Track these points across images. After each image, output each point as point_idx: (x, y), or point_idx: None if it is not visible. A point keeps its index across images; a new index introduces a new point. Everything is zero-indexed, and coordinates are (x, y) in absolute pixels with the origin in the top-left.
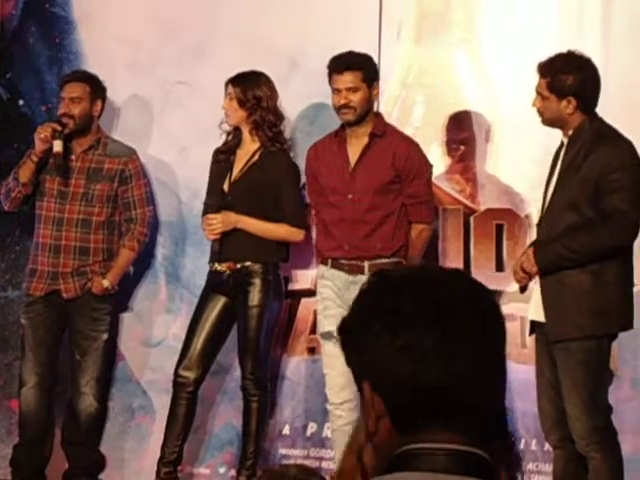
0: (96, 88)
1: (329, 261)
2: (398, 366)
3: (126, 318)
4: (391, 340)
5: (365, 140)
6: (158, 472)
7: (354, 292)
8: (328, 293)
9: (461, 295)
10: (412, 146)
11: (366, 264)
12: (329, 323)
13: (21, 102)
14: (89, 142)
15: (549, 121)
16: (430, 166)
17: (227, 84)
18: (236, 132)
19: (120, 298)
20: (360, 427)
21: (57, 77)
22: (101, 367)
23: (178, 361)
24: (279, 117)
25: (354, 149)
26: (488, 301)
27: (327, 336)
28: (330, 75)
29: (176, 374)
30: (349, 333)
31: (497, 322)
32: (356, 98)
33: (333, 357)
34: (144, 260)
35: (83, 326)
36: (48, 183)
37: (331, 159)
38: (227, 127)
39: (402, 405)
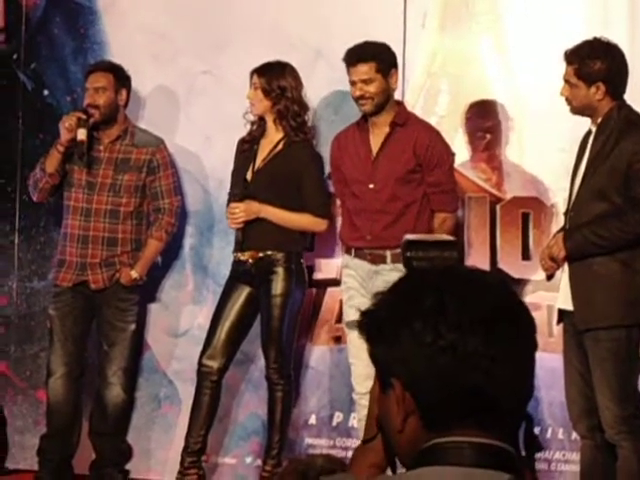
0: (120, 77)
1: (352, 251)
2: (438, 366)
3: (153, 308)
4: (434, 340)
5: (386, 129)
6: (182, 462)
7: (377, 281)
8: (352, 283)
9: (503, 300)
10: (433, 134)
11: (388, 253)
12: (354, 312)
13: (46, 92)
14: (116, 132)
15: (578, 109)
16: (452, 154)
17: (252, 74)
18: (260, 122)
19: (148, 289)
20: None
21: (82, 67)
22: (128, 357)
23: (202, 350)
24: (303, 107)
25: (376, 139)
26: (524, 308)
27: (352, 325)
28: (347, 67)
29: (200, 363)
30: (380, 328)
31: (532, 330)
32: (372, 89)
33: (359, 347)
34: (172, 250)
35: (111, 317)
36: (76, 174)
37: (353, 149)
38: (251, 117)
39: (435, 404)
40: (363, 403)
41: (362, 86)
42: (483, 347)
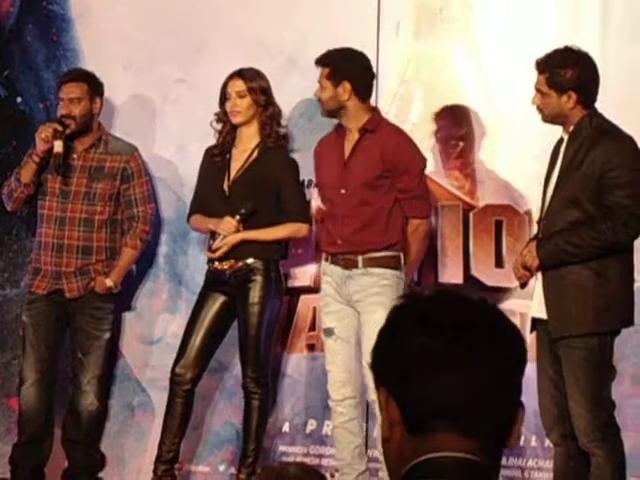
0: (94, 86)
1: (329, 257)
2: (411, 367)
3: (126, 316)
4: (405, 342)
5: (357, 135)
6: (155, 470)
7: (350, 286)
8: (328, 289)
9: (482, 310)
10: (401, 139)
11: (359, 258)
12: (330, 320)
13: (19, 100)
14: (90, 140)
15: (550, 117)
16: (422, 160)
17: (231, 81)
18: (230, 130)
19: (122, 297)
20: None
21: (55, 75)
22: (103, 366)
23: (175, 359)
24: (281, 113)
25: (349, 144)
26: (507, 322)
27: (328, 332)
28: None
29: (173, 372)
30: (377, 347)
31: (515, 340)
32: (321, 94)
33: (334, 354)
34: (146, 258)
35: (86, 325)
36: (50, 182)
37: (330, 154)
38: (218, 126)
39: (415, 406)
40: (338, 410)
41: (318, 89)
42: (451, 348)
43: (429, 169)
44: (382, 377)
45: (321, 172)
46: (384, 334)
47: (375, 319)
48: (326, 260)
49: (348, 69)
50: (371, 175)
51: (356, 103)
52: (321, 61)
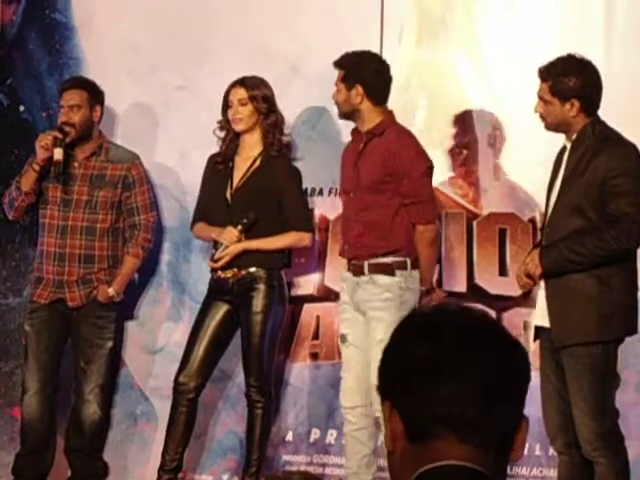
0: (94, 93)
1: (346, 263)
2: (413, 376)
3: (129, 325)
4: (408, 352)
5: (365, 139)
6: (159, 479)
7: (358, 293)
8: (344, 296)
9: (483, 323)
10: (401, 143)
11: (365, 264)
12: (344, 326)
13: (22, 108)
14: (91, 148)
15: (553, 125)
16: (425, 163)
17: (233, 89)
18: (233, 138)
19: (125, 305)
20: None
21: (57, 83)
22: (105, 375)
23: (179, 369)
24: (284, 121)
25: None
26: (508, 335)
27: (342, 339)
28: None
29: (176, 381)
30: (381, 359)
31: (515, 353)
32: (337, 98)
33: (348, 360)
34: (148, 266)
35: (88, 334)
36: (51, 191)
37: (347, 159)
38: (220, 134)
39: (416, 416)
40: (348, 418)
41: (334, 91)
42: (451, 358)
43: (434, 178)
44: (385, 388)
45: (341, 177)
46: (388, 346)
47: (377, 339)
48: (345, 267)
49: (360, 72)
50: (372, 179)
51: (369, 106)
52: (337, 64)
